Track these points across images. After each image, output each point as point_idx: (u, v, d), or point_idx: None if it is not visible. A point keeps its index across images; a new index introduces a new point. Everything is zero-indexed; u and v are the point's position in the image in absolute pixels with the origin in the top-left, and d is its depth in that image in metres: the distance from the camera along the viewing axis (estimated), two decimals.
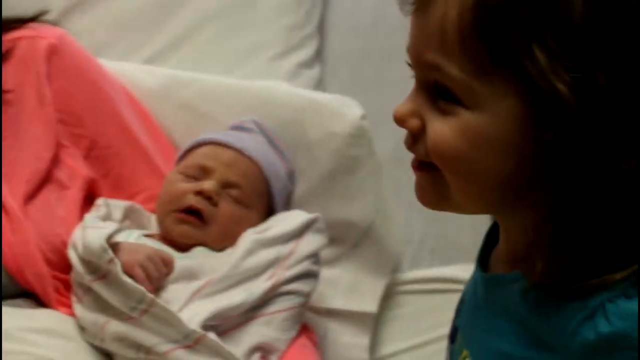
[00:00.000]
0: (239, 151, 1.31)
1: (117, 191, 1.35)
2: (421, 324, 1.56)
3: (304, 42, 1.65)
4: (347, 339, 1.47)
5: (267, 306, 1.24)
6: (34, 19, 1.34)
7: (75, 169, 1.32)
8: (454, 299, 1.62)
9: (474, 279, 0.95)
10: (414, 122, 0.81)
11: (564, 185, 0.76)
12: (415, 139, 0.82)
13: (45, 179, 1.28)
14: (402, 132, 1.75)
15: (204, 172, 1.29)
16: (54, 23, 1.36)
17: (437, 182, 0.81)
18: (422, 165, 0.82)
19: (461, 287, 1.59)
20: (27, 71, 1.31)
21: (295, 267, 1.25)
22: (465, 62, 0.77)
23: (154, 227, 1.33)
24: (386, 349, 1.53)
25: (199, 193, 1.26)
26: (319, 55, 1.68)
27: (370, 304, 1.50)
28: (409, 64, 0.84)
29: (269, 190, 1.33)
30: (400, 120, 0.83)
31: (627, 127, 0.75)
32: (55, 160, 1.30)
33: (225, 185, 1.28)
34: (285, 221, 1.29)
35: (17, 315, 1.20)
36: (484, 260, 0.95)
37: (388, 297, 1.56)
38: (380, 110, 1.66)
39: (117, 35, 1.59)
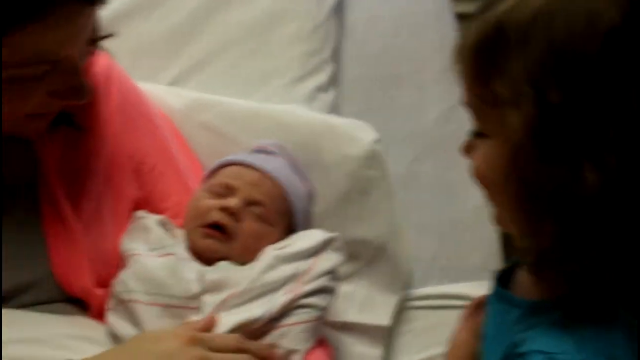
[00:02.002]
0: (262, 172, 1.38)
1: (148, 205, 1.41)
2: (430, 339, 1.62)
3: (320, 67, 1.73)
4: (361, 349, 1.53)
5: (285, 318, 1.29)
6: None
7: (122, 188, 1.38)
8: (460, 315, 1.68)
9: (492, 292, 1.05)
10: (467, 154, 0.99)
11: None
12: None
13: (101, 196, 1.34)
14: (412, 155, 1.83)
15: (229, 190, 1.36)
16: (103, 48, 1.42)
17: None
18: None
19: (468, 303, 1.66)
20: None
21: (312, 282, 1.31)
22: (475, 99, 0.94)
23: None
24: None
25: (224, 209, 1.33)
26: (334, 80, 1.76)
27: (383, 318, 1.56)
28: None
29: (290, 210, 1.39)
30: (462, 152, 1.01)
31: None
32: (107, 178, 1.36)
33: (249, 203, 1.35)
34: (304, 239, 1.35)
35: (56, 322, 1.26)
36: (506, 277, 1.05)
37: (399, 312, 1.62)
38: (391, 133, 1.75)
39: (140, 60, 1.67)
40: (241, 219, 1.33)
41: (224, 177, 1.38)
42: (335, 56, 1.77)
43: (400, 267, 1.60)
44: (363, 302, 1.55)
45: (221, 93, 1.63)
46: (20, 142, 1.32)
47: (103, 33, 1.34)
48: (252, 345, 1.25)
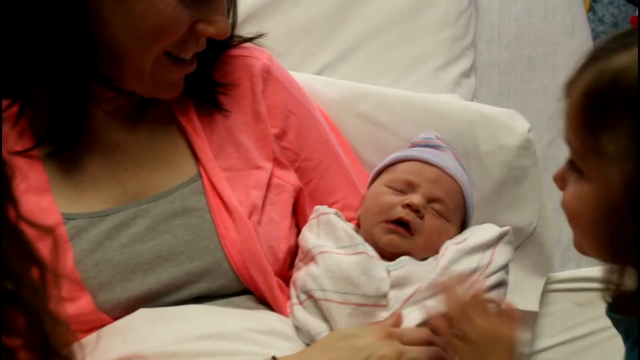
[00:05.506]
0: (441, 169, 1.35)
1: (313, 201, 1.40)
2: (570, 321, 1.63)
3: (464, 53, 1.70)
4: None
5: None
6: (250, 39, 1.39)
7: (284, 178, 1.36)
8: (600, 298, 1.69)
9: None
10: (561, 185, 1.03)
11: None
12: None
13: (265, 187, 1.32)
14: (548, 138, 1.82)
15: (409, 186, 1.34)
16: (260, 44, 1.40)
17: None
18: None
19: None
20: (242, 88, 1.35)
21: (493, 276, 1.29)
22: (579, 140, 0.95)
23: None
24: (540, 343, 1.60)
25: (408, 206, 1.31)
26: (474, 65, 1.74)
27: (532, 303, 1.57)
28: None
29: (465, 206, 1.37)
30: (555, 181, 1.05)
31: None
32: (270, 170, 1.34)
33: (430, 199, 1.33)
34: (480, 233, 1.33)
35: (243, 318, 1.25)
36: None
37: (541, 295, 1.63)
38: (526, 117, 1.73)
39: (290, 46, 1.65)
40: (423, 215, 1.32)
41: (404, 173, 1.35)
42: (474, 41, 1.76)
43: (546, 252, 1.60)
44: (512, 288, 1.55)
45: (370, 80, 1.61)
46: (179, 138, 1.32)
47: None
48: (439, 339, 1.25)
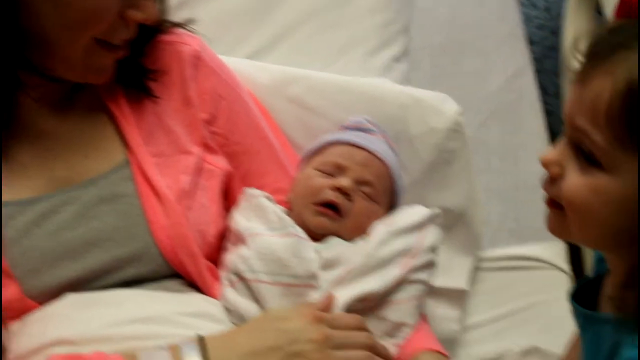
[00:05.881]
0: (371, 152, 1.37)
1: (244, 184, 1.40)
2: (500, 298, 1.66)
3: (396, 37, 1.71)
4: (441, 311, 1.57)
5: (396, 294, 1.30)
6: (181, 25, 1.38)
7: (214, 163, 1.36)
8: (529, 275, 1.73)
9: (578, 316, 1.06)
10: (556, 170, 0.97)
11: None
12: (552, 182, 0.98)
13: (194, 172, 1.32)
14: (478, 121, 1.85)
15: (339, 169, 1.35)
16: (191, 30, 1.39)
17: (562, 220, 0.97)
18: (553, 204, 0.99)
19: (536, 264, 1.71)
20: (172, 74, 1.34)
21: (421, 256, 1.32)
22: (609, 135, 0.90)
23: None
24: (471, 319, 1.63)
25: (337, 189, 1.32)
26: (406, 50, 1.75)
27: (461, 281, 1.60)
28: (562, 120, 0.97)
29: (394, 188, 1.39)
30: (545, 165, 0.98)
31: None
32: (200, 155, 1.34)
33: (360, 182, 1.34)
34: (410, 214, 1.35)
35: (172, 301, 1.25)
36: (585, 293, 1.06)
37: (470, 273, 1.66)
38: (457, 100, 1.75)
39: (220, 32, 1.64)
40: (352, 198, 1.33)
41: (334, 156, 1.37)
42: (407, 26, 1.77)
43: (474, 232, 1.62)
44: (442, 267, 1.57)
45: (301, 64, 1.61)
46: (108, 124, 1.32)
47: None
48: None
